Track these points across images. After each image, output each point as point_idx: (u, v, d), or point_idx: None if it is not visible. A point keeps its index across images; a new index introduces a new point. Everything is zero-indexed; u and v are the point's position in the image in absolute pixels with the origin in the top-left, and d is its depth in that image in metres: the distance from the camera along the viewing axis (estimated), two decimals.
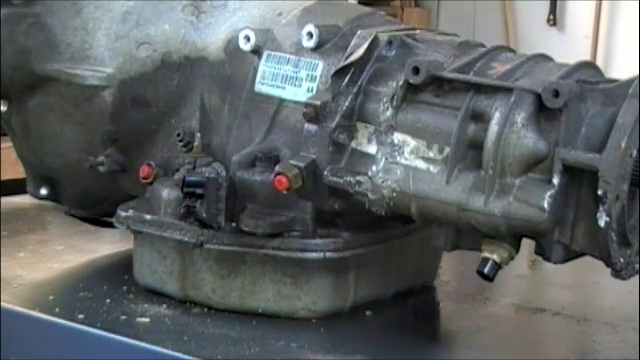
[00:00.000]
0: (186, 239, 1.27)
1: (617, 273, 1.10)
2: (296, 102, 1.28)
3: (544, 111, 1.10)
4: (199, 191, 1.22)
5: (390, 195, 1.17)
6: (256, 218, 1.24)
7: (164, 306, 1.30)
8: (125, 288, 1.36)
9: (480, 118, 1.13)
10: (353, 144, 1.21)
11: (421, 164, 1.16)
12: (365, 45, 1.22)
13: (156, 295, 1.33)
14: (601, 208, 1.06)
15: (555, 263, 1.13)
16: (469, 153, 1.14)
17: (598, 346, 1.28)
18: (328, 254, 1.24)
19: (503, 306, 1.40)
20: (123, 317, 1.26)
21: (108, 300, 1.31)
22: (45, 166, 1.47)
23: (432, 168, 1.15)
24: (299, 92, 1.28)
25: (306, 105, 1.21)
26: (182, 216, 1.24)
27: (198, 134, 1.31)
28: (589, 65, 1.19)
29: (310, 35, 1.28)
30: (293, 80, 1.29)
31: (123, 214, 1.34)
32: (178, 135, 1.32)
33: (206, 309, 1.29)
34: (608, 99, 1.11)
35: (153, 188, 1.33)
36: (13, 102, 1.44)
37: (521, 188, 1.10)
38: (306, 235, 1.25)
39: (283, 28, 1.33)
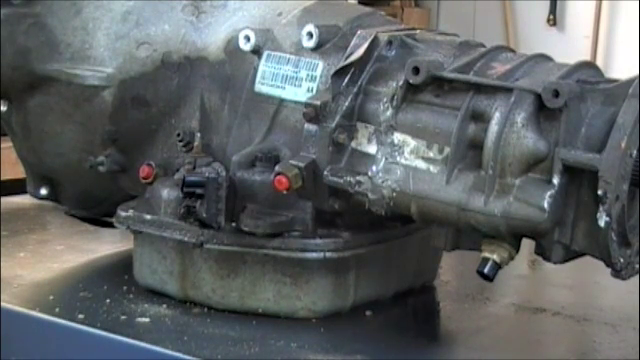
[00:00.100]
0: (186, 239, 1.27)
1: (617, 273, 1.10)
2: (296, 102, 1.28)
3: (544, 111, 1.10)
4: (199, 191, 1.22)
5: (390, 195, 1.17)
6: (256, 218, 1.24)
7: (164, 306, 1.30)
8: (125, 288, 1.36)
9: (480, 118, 1.13)
10: (353, 144, 1.21)
11: (421, 164, 1.16)
12: (365, 45, 1.22)
13: (156, 295, 1.33)
14: (601, 208, 1.06)
15: (555, 263, 1.13)
16: (469, 153, 1.14)
17: (598, 346, 1.28)
18: (328, 254, 1.24)
19: (503, 306, 1.40)
20: (123, 317, 1.26)
21: (108, 300, 1.31)
22: (45, 166, 1.47)
23: (432, 168, 1.15)
24: (299, 92, 1.28)
25: (306, 105, 1.21)
26: (182, 216, 1.24)
27: (198, 134, 1.31)
28: (589, 65, 1.19)
29: (310, 35, 1.28)
30: (293, 80, 1.29)
31: (123, 214, 1.34)
32: (178, 135, 1.32)
33: (206, 309, 1.29)
34: (608, 99, 1.11)
35: (153, 188, 1.33)
36: (13, 102, 1.44)
37: (521, 188, 1.10)
38: (306, 235, 1.25)
39: (283, 28, 1.33)
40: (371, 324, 1.30)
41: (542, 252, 1.13)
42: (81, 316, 1.25)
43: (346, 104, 1.20)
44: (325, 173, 1.20)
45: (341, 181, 1.19)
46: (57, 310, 1.27)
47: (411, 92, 1.18)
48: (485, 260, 1.14)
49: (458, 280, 1.52)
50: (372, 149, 1.20)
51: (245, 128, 1.32)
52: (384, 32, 1.25)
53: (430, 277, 1.45)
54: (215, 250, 1.26)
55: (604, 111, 1.10)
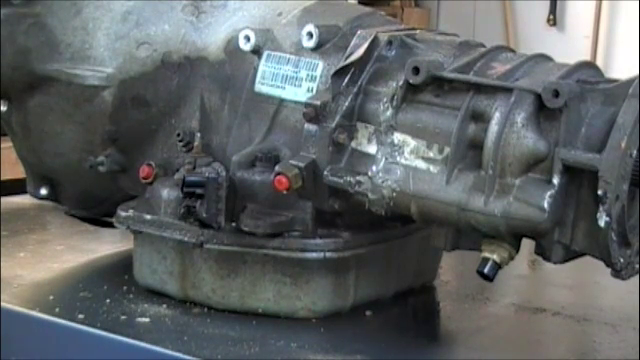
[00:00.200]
0: (186, 239, 1.27)
1: (617, 273, 1.10)
2: (296, 102, 1.28)
3: (544, 111, 1.10)
4: (199, 191, 1.22)
5: (390, 195, 1.17)
6: (256, 218, 1.24)
7: (164, 306, 1.30)
8: (125, 288, 1.36)
9: (480, 118, 1.13)
10: (353, 144, 1.21)
11: (421, 164, 1.16)
12: (365, 45, 1.22)
13: (156, 295, 1.33)
14: (601, 208, 1.06)
15: (555, 263, 1.13)
16: (469, 153, 1.14)
17: (598, 346, 1.28)
18: (328, 254, 1.24)
19: (503, 306, 1.40)
20: (123, 317, 1.26)
21: (108, 300, 1.31)
22: (45, 166, 1.47)
23: (432, 168, 1.15)
24: (299, 92, 1.28)
25: (306, 105, 1.21)
26: (182, 216, 1.24)
27: (198, 134, 1.31)
28: (589, 65, 1.19)
29: (310, 35, 1.28)
30: (293, 80, 1.29)
31: (123, 214, 1.34)
32: (178, 135, 1.32)
33: (206, 309, 1.29)
34: (608, 99, 1.11)
35: (153, 188, 1.33)
36: (13, 102, 1.44)
37: (521, 188, 1.10)
38: (306, 235, 1.25)
39: (283, 28, 1.33)
40: (371, 324, 1.30)
41: (542, 252, 1.13)
42: (81, 316, 1.25)
43: (346, 104, 1.20)
44: (325, 173, 1.20)
45: (341, 181, 1.19)
46: (57, 310, 1.27)
47: (411, 92, 1.18)
48: (485, 260, 1.14)
49: (458, 280, 1.52)
50: (372, 149, 1.20)
51: (245, 128, 1.32)
52: (384, 32, 1.25)
53: (430, 277, 1.45)
54: (215, 250, 1.26)
55: (604, 111, 1.10)
